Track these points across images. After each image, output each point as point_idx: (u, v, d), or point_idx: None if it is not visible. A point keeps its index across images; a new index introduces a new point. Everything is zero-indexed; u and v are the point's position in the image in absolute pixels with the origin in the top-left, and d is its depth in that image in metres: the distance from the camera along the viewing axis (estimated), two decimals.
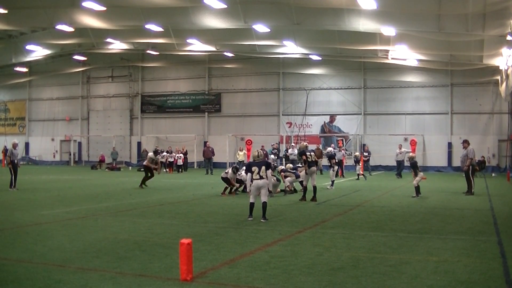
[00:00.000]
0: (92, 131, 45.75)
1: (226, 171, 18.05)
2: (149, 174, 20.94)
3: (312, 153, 15.91)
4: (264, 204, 11.18)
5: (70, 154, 45.81)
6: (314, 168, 15.50)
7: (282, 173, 18.29)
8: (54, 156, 46.95)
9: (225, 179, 17.50)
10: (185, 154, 34.87)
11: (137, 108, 44.01)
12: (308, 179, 15.57)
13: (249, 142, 32.85)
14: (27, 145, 47.87)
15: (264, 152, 20.19)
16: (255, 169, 11.40)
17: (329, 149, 20.33)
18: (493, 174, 30.48)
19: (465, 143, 18.37)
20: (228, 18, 24.99)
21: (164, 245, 8.40)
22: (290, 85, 38.81)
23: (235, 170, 17.93)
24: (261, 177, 11.27)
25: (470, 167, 17.64)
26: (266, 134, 37.92)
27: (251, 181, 11.62)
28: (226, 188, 17.51)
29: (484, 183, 23.82)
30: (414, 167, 16.83)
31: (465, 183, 18.11)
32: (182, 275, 6.24)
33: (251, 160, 13.20)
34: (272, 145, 31.98)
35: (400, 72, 34.87)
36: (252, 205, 11.30)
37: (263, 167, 11.34)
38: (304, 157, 15.39)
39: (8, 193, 17.55)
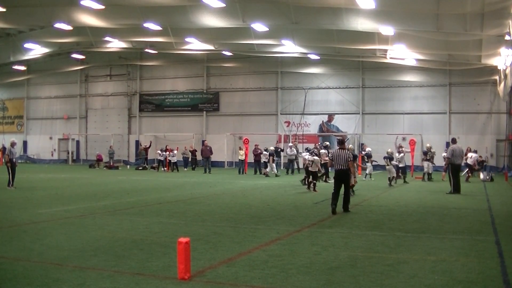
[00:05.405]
0: (90, 129, 45.69)
1: (310, 159, 17.63)
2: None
3: None
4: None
5: (68, 153, 45.71)
6: None
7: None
8: (52, 155, 46.91)
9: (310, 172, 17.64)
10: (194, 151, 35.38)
11: (135, 107, 43.96)
12: None
13: (246, 141, 32.82)
14: (25, 143, 47.77)
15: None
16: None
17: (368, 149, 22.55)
18: (491, 174, 30.45)
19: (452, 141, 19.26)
20: (226, 17, 24.97)
21: (162, 244, 8.39)
22: (288, 84, 38.79)
23: (316, 152, 17.94)
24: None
25: (449, 166, 18.17)
26: (264, 133, 37.92)
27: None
28: (309, 181, 17.74)
29: (482, 182, 23.88)
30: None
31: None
32: (180, 274, 6.23)
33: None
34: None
35: (398, 72, 34.88)
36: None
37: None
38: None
39: (6, 192, 17.51)
